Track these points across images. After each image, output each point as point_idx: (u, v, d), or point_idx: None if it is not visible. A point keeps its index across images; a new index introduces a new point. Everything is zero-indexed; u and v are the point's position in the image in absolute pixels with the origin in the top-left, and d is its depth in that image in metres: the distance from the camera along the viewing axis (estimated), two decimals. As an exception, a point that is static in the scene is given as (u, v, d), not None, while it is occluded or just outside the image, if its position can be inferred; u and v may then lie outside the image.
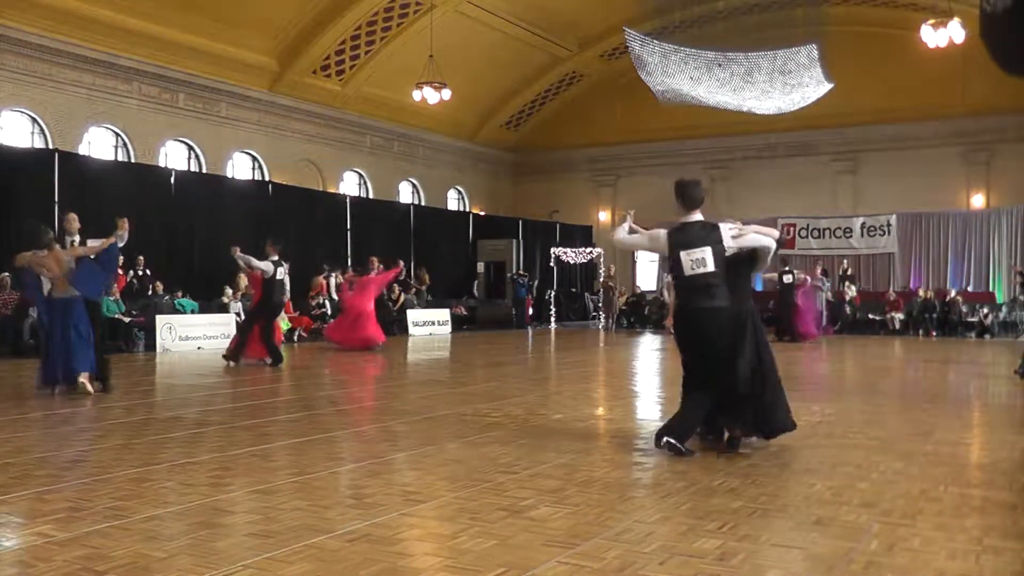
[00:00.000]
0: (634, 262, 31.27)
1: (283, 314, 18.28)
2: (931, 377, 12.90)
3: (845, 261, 25.86)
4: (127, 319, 16.25)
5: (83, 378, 9.12)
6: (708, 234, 6.12)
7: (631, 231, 6.73)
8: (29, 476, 5.30)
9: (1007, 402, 10.10)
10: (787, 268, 19.67)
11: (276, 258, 13.33)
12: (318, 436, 6.90)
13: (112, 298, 15.76)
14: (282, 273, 13.49)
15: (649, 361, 15.56)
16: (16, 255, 9.66)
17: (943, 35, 20.14)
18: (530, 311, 26.75)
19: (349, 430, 7.38)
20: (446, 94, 23.15)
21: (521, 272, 26.77)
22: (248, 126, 23.62)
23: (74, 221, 10.06)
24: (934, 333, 22.69)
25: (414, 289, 23.17)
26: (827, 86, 21.01)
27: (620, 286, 27.31)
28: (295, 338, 18.66)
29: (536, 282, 27.71)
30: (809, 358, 15.05)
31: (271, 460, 5.87)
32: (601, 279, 26.86)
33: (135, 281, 17.67)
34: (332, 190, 25.62)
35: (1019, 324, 22.48)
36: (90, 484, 5.09)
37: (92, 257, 9.56)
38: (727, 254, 6.14)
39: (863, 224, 26.66)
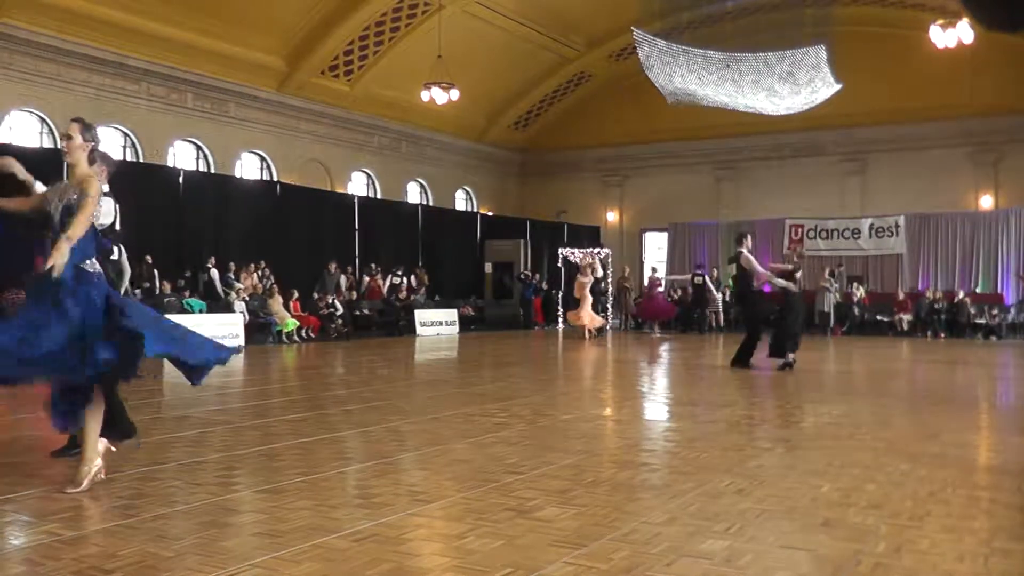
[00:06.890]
0: (641, 263, 31.21)
1: (287, 312, 18.44)
2: (939, 378, 12.86)
3: (842, 260, 25.86)
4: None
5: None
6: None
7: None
8: (37, 475, 5.32)
9: (1015, 404, 10.07)
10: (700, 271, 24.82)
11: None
12: (325, 436, 6.91)
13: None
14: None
15: (658, 361, 15.53)
16: None
17: (952, 35, 20.06)
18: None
19: (356, 430, 7.38)
20: (454, 94, 23.15)
21: (524, 272, 26.74)
22: (256, 126, 23.65)
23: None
24: (942, 334, 22.62)
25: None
26: (835, 87, 20.94)
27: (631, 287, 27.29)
28: (303, 336, 18.71)
29: (544, 282, 27.63)
30: (817, 359, 14.99)
31: (278, 460, 5.88)
32: (618, 279, 26.72)
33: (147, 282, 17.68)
34: (340, 190, 25.65)
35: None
36: (97, 483, 5.10)
37: None
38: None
39: (871, 225, 26.56)
